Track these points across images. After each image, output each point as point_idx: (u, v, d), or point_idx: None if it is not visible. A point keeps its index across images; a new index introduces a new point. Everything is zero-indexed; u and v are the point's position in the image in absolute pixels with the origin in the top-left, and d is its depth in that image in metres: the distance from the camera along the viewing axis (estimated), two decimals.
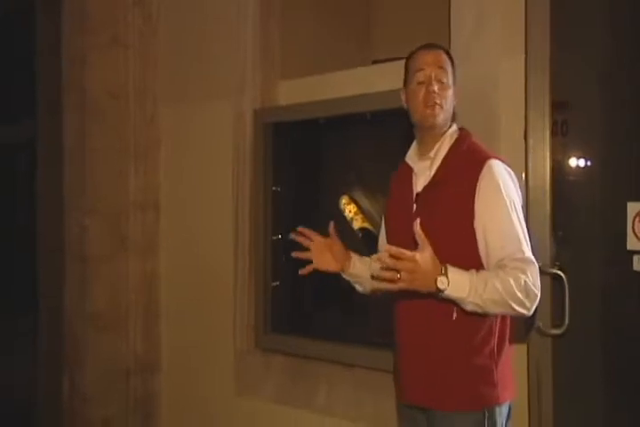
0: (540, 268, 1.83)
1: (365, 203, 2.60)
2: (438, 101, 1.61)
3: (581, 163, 2.04)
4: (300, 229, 1.79)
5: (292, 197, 2.66)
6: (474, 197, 1.54)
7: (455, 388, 1.56)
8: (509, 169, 1.60)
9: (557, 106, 1.95)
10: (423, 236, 1.47)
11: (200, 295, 2.83)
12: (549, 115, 1.91)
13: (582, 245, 1.95)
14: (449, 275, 1.46)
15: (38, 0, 3.06)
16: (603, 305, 1.93)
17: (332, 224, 1.81)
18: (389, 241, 1.71)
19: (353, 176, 2.60)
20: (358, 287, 1.84)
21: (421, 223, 1.49)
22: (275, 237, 2.60)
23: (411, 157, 1.71)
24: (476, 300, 1.46)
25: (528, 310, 1.50)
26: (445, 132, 1.66)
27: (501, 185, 1.54)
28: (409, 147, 1.94)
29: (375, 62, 2.66)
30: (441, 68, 1.63)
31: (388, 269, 1.44)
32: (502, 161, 1.60)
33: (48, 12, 3.02)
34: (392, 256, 1.42)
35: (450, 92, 1.64)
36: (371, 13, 3.02)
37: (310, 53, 2.74)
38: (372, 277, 1.63)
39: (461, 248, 1.54)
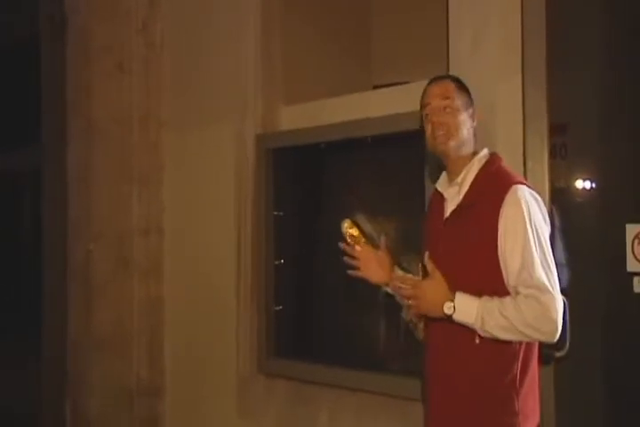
0: None
1: (368, 226, 2.61)
2: (443, 131, 1.64)
3: (580, 185, 2.06)
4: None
5: (294, 222, 2.67)
6: (497, 222, 1.55)
7: (476, 415, 1.56)
8: (536, 195, 1.61)
9: (556, 129, 1.97)
10: (432, 264, 1.57)
11: (203, 319, 2.83)
12: (548, 138, 1.93)
13: (582, 268, 1.95)
14: (456, 301, 1.52)
15: (44, 28, 3.12)
16: (603, 327, 1.92)
17: (383, 238, 1.86)
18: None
19: (355, 200, 2.62)
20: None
21: (447, 248, 1.60)
22: (277, 262, 2.61)
23: (441, 184, 1.73)
24: (484, 326, 1.50)
25: (548, 336, 1.50)
26: (473, 157, 1.67)
27: (524, 211, 1.54)
28: (410, 171, 1.99)
29: (376, 87, 2.70)
30: (447, 98, 1.66)
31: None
32: (529, 186, 1.61)
33: (53, 40, 3.08)
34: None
35: (462, 117, 1.66)
36: (371, 39, 3.07)
37: (312, 79, 2.78)
38: (387, 295, 1.72)
39: (485, 273, 1.56)
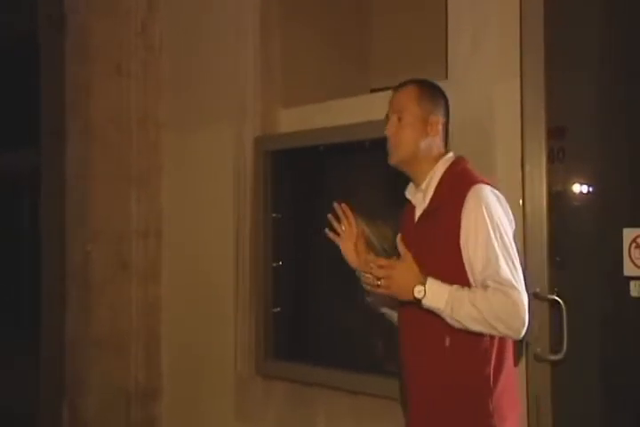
0: (537, 293, 1.86)
1: (366, 230, 2.61)
2: (391, 145, 1.71)
3: (578, 189, 2.07)
4: (342, 207, 1.83)
5: (292, 224, 2.67)
6: (460, 222, 1.58)
7: (450, 416, 1.56)
8: (497, 192, 1.62)
9: (554, 132, 1.98)
10: (404, 247, 1.59)
11: (201, 321, 2.83)
12: (546, 141, 1.94)
13: (580, 271, 1.96)
14: (427, 285, 1.52)
15: (43, 28, 3.11)
16: (601, 330, 1.93)
17: (363, 225, 1.87)
18: None
19: (353, 203, 2.62)
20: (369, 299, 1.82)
21: (416, 252, 1.57)
22: (275, 264, 2.61)
23: (409, 191, 1.77)
24: (454, 314, 1.50)
25: (514, 332, 1.51)
26: (437, 163, 1.69)
27: (485, 210, 1.57)
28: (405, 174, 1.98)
29: (373, 91, 2.71)
30: (400, 111, 1.69)
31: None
32: (491, 185, 1.63)
33: (52, 40, 3.07)
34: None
35: (410, 131, 1.68)
36: (370, 42, 3.08)
37: (310, 82, 2.78)
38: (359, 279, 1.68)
39: (452, 274, 1.57)
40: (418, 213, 1.70)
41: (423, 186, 1.69)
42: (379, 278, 1.55)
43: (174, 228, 3.00)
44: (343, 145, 2.46)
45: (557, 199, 1.97)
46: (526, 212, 1.92)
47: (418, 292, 1.51)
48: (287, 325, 2.61)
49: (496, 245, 1.55)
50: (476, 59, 2.04)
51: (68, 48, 3.04)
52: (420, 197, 1.70)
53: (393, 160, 1.71)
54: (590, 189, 2.03)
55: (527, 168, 1.94)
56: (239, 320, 2.64)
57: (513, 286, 1.51)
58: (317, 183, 2.68)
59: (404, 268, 1.54)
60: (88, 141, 2.95)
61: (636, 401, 1.83)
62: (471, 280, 1.56)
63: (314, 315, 2.62)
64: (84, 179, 2.94)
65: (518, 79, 1.95)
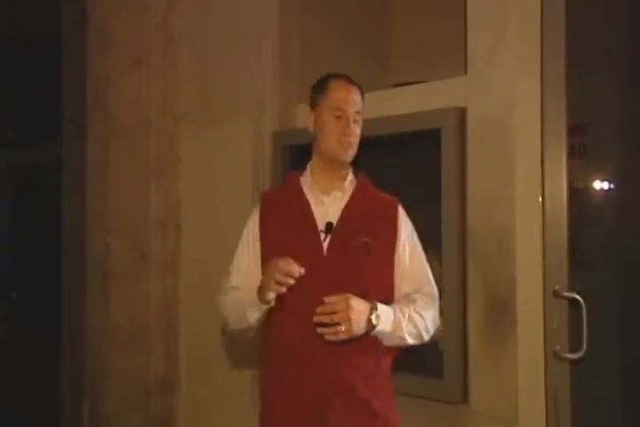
0: (557, 291, 1.86)
1: None
2: (352, 140, 1.68)
3: (599, 186, 2.04)
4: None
5: None
6: (396, 236, 1.64)
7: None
8: None
9: (575, 129, 1.95)
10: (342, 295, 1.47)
11: (216, 313, 2.84)
12: (566, 138, 1.92)
13: (600, 269, 1.94)
14: (379, 309, 1.52)
15: (65, 23, 3.14)
16: (621, 328, 1.91)
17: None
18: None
19: None
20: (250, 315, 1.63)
21: (340, 258, 1.57)
22: None
23: (310, 190, 1.69)
24: (400, 333, 1.56)
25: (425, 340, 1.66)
26: (348, 168, 1.74)
27: (411, 226, 1.72)
28: (426, 170, 2.06)
29: (393, 86, 2.68)
30: (358, 110, 1.71)
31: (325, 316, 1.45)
32: None
33: (74, 34, 3.09)
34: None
35: (359, 130, 1.72)
36: (389, 37, 3.05)
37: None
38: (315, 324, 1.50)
39: (384, 289, 1.61)
40: (330, 211, 1.63)
41: (346, 184, 1.70)
42: (337, 324, 1.44)
43: (193, 220, 3.02)
44: (361, 140, 2.44)
45: (577, 196, 1.95)
46: (546, 209, 1.90)
47: (375, 318, 1.49)
48: None
49: (424, 260, 1.68)
50: (495, 54, 2.01)
51: (90, 42, 3.06)
52: (329, 199, 1.67)
53: (351, 154, 1.69)
54: (611, 186, 2.01)
55: (547, 165, 1.92)
56: None
57: (437, 299, 1.69)
58: None
59: (355, 298, 1.46)
60: (108, 134, 2.97)
61: None
62: (396, 294, 1.63)
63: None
64: (105, 171, 2.96)
65: (539, 75, 1.93)
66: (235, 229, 2.84)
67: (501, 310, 1.89)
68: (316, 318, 1.46)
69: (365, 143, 2.44)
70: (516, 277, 1.86)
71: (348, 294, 1.47)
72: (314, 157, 1.75)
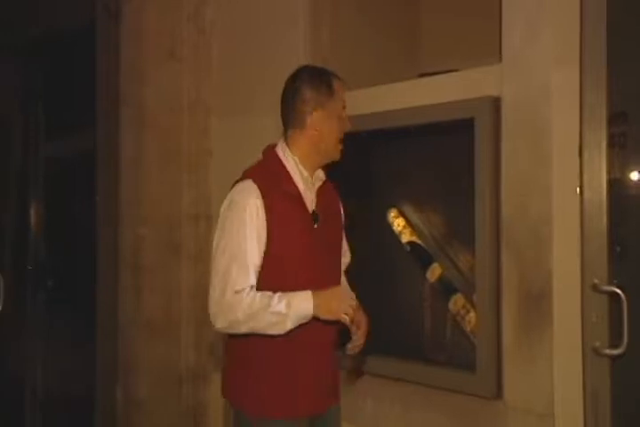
0: (596, 285, 1.80)
1: (413, 217, 2.58)
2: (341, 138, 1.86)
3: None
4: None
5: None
6: (342, 216, 1.97)
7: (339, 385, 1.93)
8: None
9: (615, 118, 1.89)
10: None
11: None
12: (606, 127, 1.86)
13: None
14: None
15: (99, 17, 3.17)
16: None
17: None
18: (296, 258, 1.76)
19: (401, 190, 2.58)
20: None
21: (325, 241, 1.83)
22: None
23: (302, 178, 1.81)
24: None
25: None
26: None
27: None
28: (457, 161, 2.07)
29: (422, 76, 2.64)
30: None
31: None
32: None
33: (108, 29, 3.12)
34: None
35: None
36: (419, 26, 3.00)
37: (357, 68, 2.73)
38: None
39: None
40: (308, 201, 1.79)
41: (322, 176, 1.86)
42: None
43: None
44: (390, 131, 2.41)
45: (617, 187, 1.88)
46: (584, 200, 1.84)
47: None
48: None
49: None
50: (532, 41, 1.95)
51: (123, 35, 3.09)
52: (311, 190, 1.81)
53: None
54: None
55: (586, 155, 1.86)
56: None
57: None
58: (364, 170, 2.64)
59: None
60: (141, 126, 2.99)
61: None
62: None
63: (362, 302, 2.59)
64: (137, 163, 2.99)
65: (578, 62, 1.86)
66: None
67: (537, 304, 1.84)
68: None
69: (394, 134, 2.42)
70: (552, 269, 1.81)
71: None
72: (304, 147, 1.81)
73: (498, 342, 1.95)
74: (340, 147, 1.80)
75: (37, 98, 3.97)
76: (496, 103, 1.99)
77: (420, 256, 2.52)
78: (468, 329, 2.31)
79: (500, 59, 2.02)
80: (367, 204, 2.62)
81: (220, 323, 1.70)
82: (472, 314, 2.29)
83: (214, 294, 1.71)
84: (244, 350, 1.76)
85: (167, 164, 3.03)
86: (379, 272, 2.56)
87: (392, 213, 2.61)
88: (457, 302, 2.37)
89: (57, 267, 3.83)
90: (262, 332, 1.67)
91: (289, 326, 1.66)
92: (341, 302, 1.70)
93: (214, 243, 1.75)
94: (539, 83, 1.89)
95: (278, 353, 1.73)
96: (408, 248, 2.55)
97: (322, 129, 1.76)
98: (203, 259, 3.07)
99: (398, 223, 2.60)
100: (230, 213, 1.72)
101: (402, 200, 2.57)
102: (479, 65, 2.13)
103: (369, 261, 2.58)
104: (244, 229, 1.68)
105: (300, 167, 1.78)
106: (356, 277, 2.63)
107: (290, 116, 1.81)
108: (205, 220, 3.08)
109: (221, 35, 3.07)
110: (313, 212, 1.77)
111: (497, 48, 2.08)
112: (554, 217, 1.82)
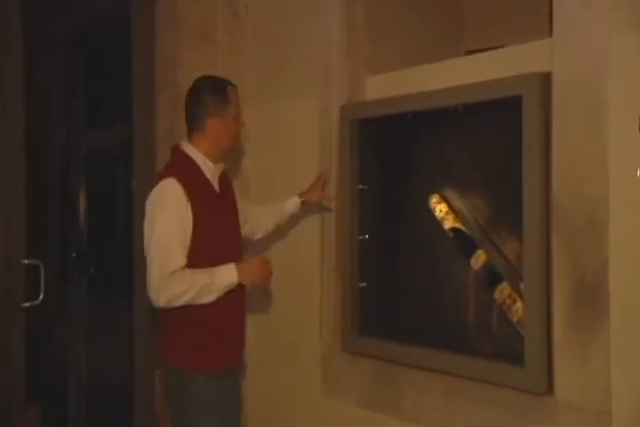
0: None
1: (457, 202, 2.47)
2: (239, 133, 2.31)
3: None
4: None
5: (379, 196, 2.56)
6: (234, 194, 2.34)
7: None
8: None
9: None
10: None
11: (284, 294, 2.80)
12: None
13: None
14: None
15: (134, 5, 3.13)
16: None
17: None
18: (220, 240, 2.14)
19: (444, 174, 2.47)
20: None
21: (231, 217, 2.26)
22: (361, 237, 2.52)
23: (208, 168, 2.16)
24: None
25: None
26: None
27: None
28: (505, 142, 2.00)
29: (468, 53, 2.51)
30: None
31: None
32: None
33: (143, 15, 3.08)
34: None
35: None
36: (463, 2, 2.86)
37: (399, 46, 2.63)
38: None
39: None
40: (217, 187, 2.18)
41: (220, 165, 2.22)
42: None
43: (259, 198, 2.97)
44: (434, 111, 2.30)
45: None
46: None
47: None
48: (374, 300, 2.52)
49: None
50: (586, 12, 1.81)
51: (158, 20, 3.04)
52: (214, 175, 2.19)
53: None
54: None
55: None
56: (325, 294, 2.58)
57: None
58: (406, 153, 2.54)
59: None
60: (176, 112, 2.93)
61: None
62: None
63: (402, 291, 2.51)
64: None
65: (638, 31, 1.72)
66: (301, 208, 2.79)
67: (591, 294, 1.72)
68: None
69: (437, 114, 2.31)
70: (608, 256, 1.68)
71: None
72: (207, 146, 2.15)
73: (548, 334, 1.84)
74: (239, 141, 2.30)
75: (75, 87, 3.98)
76: (546, 79, 1.86)
77: (464, 243, 2.42)
78: (515, 319, 2.20)
79: (550, 33, 1.88)
80: (410, 188, 2.53)
81: (162, 302, 2.00)
82: (519, 304, 2.18)
83: (151, 277, 2.00)
84: (176, 315, 2.07)
85: None
86: (420, 260, 2.47)
87: (434, 199, 2.51)
88: (503, 290, 2.27)
89: (98, 254, 3.85)
90: (197, 302, 2.02)
91: (217, 294, 2.04)
92: (259, 270, 2.12)
93: (145, 233, 2.05)
94: (594, 56, 1.76)
95: (207, 314, 2.07)
96: (451, 235, 2.45)
97: (220, 131, 2.14)
98: None
99: (441, 209, 2.50)
100: (157, 206, 2.04)
101: (445, 185, 2.47)
102: (527, 40, 2.00)
103: (411, 249, 2.50)
104: (172, 218, 2.01)
105: (207, 161, 2.15)
106: (396, 267, 2.57)
107: (192, 121, 2.16)
108: None
109: (256, 18, 3.00)
110: (220, 193, 2.18)
111: (543, 23, 1.95)
112: (611, 200, 1.69)
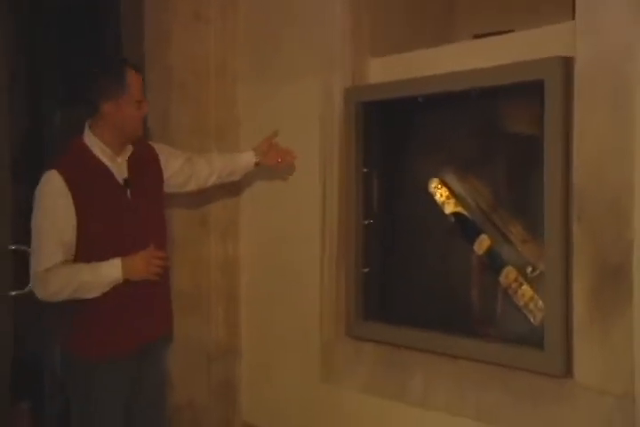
0: None
1: (458, 187, 2.46)
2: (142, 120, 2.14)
3: None
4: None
5: (383, 180, 2.53)
6: (162, 174, 2.25)
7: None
8: None
9: None
10: None
11: (283, 280, 2.75)
12: None
13: None
14: None
15: None
16: None
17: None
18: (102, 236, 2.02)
19: (445, 158, 2.46)
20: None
21: (136, 209, 2.09)
22: (365, 222, 2.49)
23: (106, 156, 2.06)
24: None
25: None
26: None
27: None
28: (512, 127, 2.06)
29: (476, 37, 2.49)
30: None
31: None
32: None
33: None
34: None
35: None
36: None
37: (404, 28, 2.59)
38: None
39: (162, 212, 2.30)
40: (119, 175, 2.07)
41: (127, 153, 2.12)
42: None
43: (255, 183, 2.90)
44: (438, 96, 2.28)
45: None
46: None
47: None
48: (377, 285, 2.50)
49: None
50: None
51: None
52: (118, 163, 2.08)
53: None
54: None
55: None
56: (325, 280, 2.54)
57: None
58: (410, 136, 2.52)
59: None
60: (167, 91, 2.85)
61: None
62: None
63: (406, 275, 2.50)
64: (164, 130, 2.85)
65: None
66: (299, 193, 2.73)
67: (613, 277, 1.73)
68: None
69: (441, 99, 2.29)
70: (633, 239, 1.70)
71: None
72: (106, 131, 2.06)
73: (567, 316, 1.85)
74: (141, 125, 2.10)
75: (60, 63, 3.79)
76: (568, 63, 1.86)
77: (466, 228, 2.41)
78: (522, 303, 2.22)
79: (573, 15, 1.87)
80: (412, 172, 2.51)
81: (41, 295, 1.98)
82: (525, 287, 2.20)
83: (32, 270, 1.97)
84: (73, 303, 2.01)
85: (194, 131, 2.90)
86: (424, 245, 2.46)
87: (434, 184, 2.50)
88: (508, 275, 2.27)
89: None
90: (81, 297, 1.97)
91: (101, 290, 1.98)
92: (145, 265, 1.99)
93: (31, 225, 1.99)
94: (619, 39, 1.75)
95: (108, 296, 2.00)
96: (452, 219, 2.44)
97: (119, 115, 2.02)
98: (232, 233, 2.97)
99: (441, 194, 2.49)
100: (35, 201, 1.98)
101: (446, 169, 2.47)
102: (539, 25, 1.99)
103: (415, 234, 2.48)
104: (47, 212, 1.96)
105: (103, 146, 2.05)
106: (400, 252, 2.54)
107: (88, 105, 2.07)
108: (234, 193, 2.96)
109: None
110: (125, 181, 2.07)
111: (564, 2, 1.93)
112: (636, 184, 1.70)
